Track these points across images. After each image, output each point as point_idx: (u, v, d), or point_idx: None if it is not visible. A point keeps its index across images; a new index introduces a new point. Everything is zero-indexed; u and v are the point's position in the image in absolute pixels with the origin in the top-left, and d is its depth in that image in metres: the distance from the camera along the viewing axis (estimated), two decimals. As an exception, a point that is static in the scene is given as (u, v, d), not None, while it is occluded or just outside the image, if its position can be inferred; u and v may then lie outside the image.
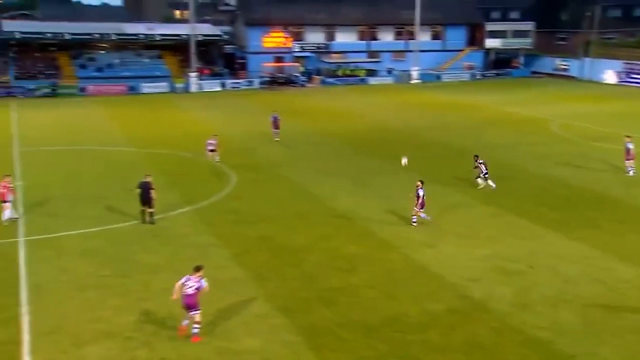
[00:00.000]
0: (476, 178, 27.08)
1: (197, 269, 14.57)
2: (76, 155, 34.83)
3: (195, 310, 14.37)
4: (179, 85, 66.52)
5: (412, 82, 73.91)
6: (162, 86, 66.02)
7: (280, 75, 71.99)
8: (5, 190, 22.29)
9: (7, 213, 22.46)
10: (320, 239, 21.14)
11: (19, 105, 54.77)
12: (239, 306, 16.07)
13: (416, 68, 74.53)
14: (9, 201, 22.53)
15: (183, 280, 14.44)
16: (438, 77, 76.07)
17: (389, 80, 74.96)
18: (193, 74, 66.67)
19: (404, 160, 27.68)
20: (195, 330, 14.51)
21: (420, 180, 22.26)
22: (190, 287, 14.27)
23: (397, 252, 19.93)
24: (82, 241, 21.00)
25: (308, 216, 23.62)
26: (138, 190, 22.50)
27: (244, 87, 69.54)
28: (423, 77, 74.38)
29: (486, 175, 26.78)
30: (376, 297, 16.70)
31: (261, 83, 70.47)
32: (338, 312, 15.84)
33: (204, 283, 14.43)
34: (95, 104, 55.76)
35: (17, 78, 63.82)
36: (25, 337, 14.46)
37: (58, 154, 35.00)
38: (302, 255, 19.78)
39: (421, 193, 21.88)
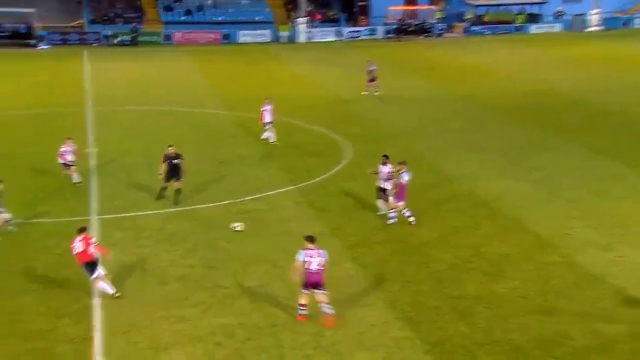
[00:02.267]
0: None
1: (311, 239, 15.43)
2: (157, 117, 36.44)
3: (323, 289, 15.27)
4: (284, 33, 67.62)
5: (589, 29, 70.82)
6: (263, 34, 67.39)
7: (412, 22, 71.31)
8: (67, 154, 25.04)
9: (74, 177, 25.12)
10: (456, 233, 20.89)
11: (93, 55, 57.92)
12: (353, 311, 16.24)
13: (596, 10, 71.26)
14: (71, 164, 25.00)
15: (302, 256, 15.20)
16: (626, 23, 72.34)
17: (555, 27, 72.28)
18: (301, 20, 67.47)
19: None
20: (331, 311, 15.30)
21: (399, 162, 21.30)
22: (314, 262, 15.17)
23: (557, 254, 19.35)
24: (162, 222, 21.99)
25: (440, 203, 23.40)
26: (164, 165, 23.27)
27: (364, 37, 69.58)
28: (606, 22, 71.02)
29: None
30: (528, 310, 16.32)
31: (387, 32, 70.18)
32: (477, 327, 15.63)
33: (325, 255, 15.35)
34: (181, 55, 57.92)
35: (92, 22, 67.20)
36: (97, 335, 15.38)
37: (137, 116, 36.78)
38: (432, 252, 19.65)
39: (406, 178, 21.04)
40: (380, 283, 17.82)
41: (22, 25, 63.25)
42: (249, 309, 16.43)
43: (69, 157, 25.17)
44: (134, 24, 66.63)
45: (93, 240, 16.99)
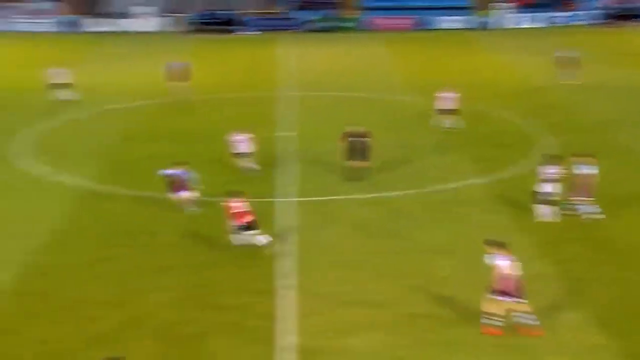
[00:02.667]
0: None
1: (500, 244, 14.80)
2: (351, 103, 36.89)
3: (520, 298, 14.59)
4: (484, 19, 65.83)
5: None
6: (461, 20, 65.99)
7: (622, 6, 66.96)
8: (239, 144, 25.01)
9: (249, 166, 25.10)
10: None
11: (292, 41, 59.64)
12: (544, 313, 15.53)
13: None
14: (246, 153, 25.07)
15: (498, 260, 14.61)
16: None
17: None
18: (503, 5, 65.45)
19: None
20: (531, 322, 14.65)
21: (577, 154, 20.83)
22: (508, 266, 14.53)
23: None
24: (354, 208, 22.27)
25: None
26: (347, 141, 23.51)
27: (571, 22, 66.09)
28: None
29: None
30: None
31: (594, 17, 66.36)
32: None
33: (516, 261, 14.61)
34: (375, 41, 58.21)
35: (292, 9, 69.24)
36: (285, 314, 15.87)
37: (331, 101, 37.45)
38: (636, 255, 18.39)
39: (584, 171, 20.14)
40: (575, 283, 16.98)
41: (230, 13, 66.48)
42: (435, 301, 16.24)
43: (243, 148, 25.12)
44: (327, 10, 67.85)
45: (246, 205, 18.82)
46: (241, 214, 18.87)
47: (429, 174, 25.27)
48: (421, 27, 65.64)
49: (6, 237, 19.97)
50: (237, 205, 18.92)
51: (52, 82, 36.23)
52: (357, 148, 23.78)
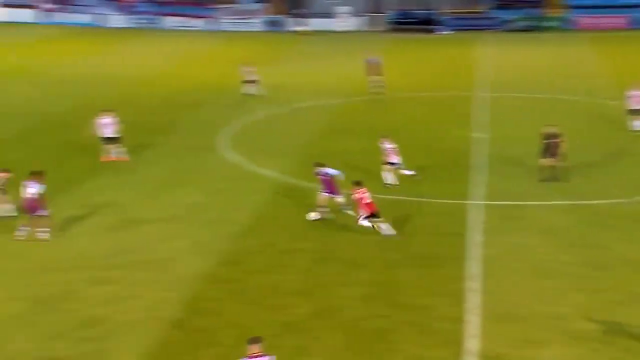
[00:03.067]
0: None
1: None
2: (548, 105, 35.64)
3: None
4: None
5: None
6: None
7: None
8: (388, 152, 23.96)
9: (389, 177, 23.94)
10: None
11: (490, 40, 58.46)
12: None
13: None
14: (394, 163, 23.96)
15: None
16: None
17: None
18: None
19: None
20: None
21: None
22: None
23: None
24: (546, 215, 21.61)
25: None
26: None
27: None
28: None
29: None
30: None
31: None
32: None
33: None
34: (580, 41, 55.74)
35: (492, 7, 67.81)
36: (471, 318, 15.72)
37: (529, 103, 36.38)
38: None
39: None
40: None
41: (428, 12, 66.40)
42: (634, 319, 15.35)
43: (394, 159, 24.06)
44: (529, 9, 65.76)
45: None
46: (369, 204, 19.96)
47: (628, 182, 23.93)
48: (634, 26, 61.88)
49: (206, 224, 21.24)
50: (366, 195, 20.04)
51: (245, 79, 38.04)
52: (550, 148, 23.47)
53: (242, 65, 38.68)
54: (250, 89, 37.85)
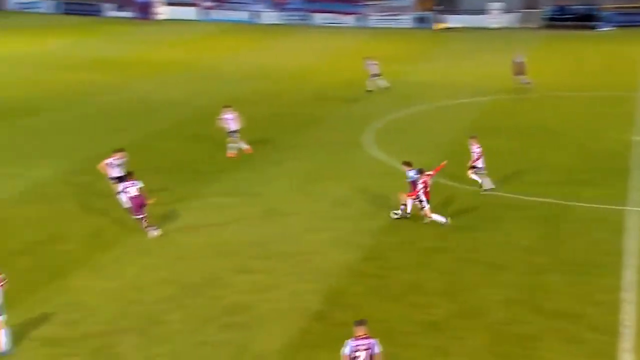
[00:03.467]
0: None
1: None
2: None
3: None
4: None
5: None
6: None
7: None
8: (476, 155, 22.84)
9: (487, 182, 23.01)
10: None
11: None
12: None
13: None
14: (479, 167, 22.97)
15: None
16: None
17: None
18: None
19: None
20: None
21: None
22: None
23: None
24: None
25: None
26: None
27: None
28: None
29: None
30: None
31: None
32: None
33: None
34: None
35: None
36: (625, 331, 14.88)
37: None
38: None
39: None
40: None
41: (587, 7, 63.68)
42: None
43: (479, 163, 23.10)
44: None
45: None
46: (427, 192, 20.33)
47: None
48: None
49: (349, 219, 21.28)
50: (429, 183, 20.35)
51: (371, 73, 38.27)
52: None
53: (367, 59, 38.67)
54: (376, 83, 38.13)
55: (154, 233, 19.68)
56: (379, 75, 38.53)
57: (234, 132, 26.95)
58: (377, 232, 20.31)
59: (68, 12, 74.74)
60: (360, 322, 12.09)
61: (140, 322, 15.36)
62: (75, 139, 29.38)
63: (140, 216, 19.66)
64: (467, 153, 23.95)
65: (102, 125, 31.68)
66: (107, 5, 74.48)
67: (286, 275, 17.66)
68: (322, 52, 52.99)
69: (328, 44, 57.22)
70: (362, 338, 11.93)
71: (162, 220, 20.78)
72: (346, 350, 11.90)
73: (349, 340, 11.95)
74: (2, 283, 14.22)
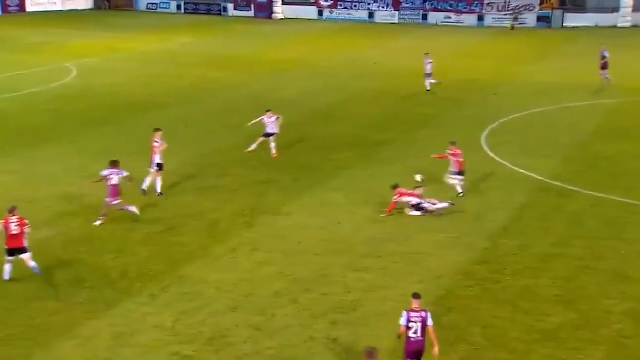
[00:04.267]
0: None
1: None
2: None
3: None
4: None
5: None
6: None
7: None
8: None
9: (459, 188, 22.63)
10: None
11: None
12: None
13: None
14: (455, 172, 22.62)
15: None
16: None
17: None
18: None
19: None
20: None
21: None
22: None
23: None
24: None
25: None
26: None
27: None
28: None
29: None
30: None
31: None
32: None
33: None
34: None
35: None
36: None
37: None
38: None
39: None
40: None
41: None
42: None
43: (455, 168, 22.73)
44: None
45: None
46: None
47: None
48: None
49: (465, 221, 20.90)
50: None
51: (426, 72, 37.82)
52: None
53: (426, 56, 38.03)
54: (427, 83, 37.81)
55: (98, 222, 20.37)
56: (431, 75, 37.75)
57: (270, 134, 26.76)
58: (493, 235, 19.85)
59: (192, 12, 77.59)
60: (416, 296, 13.03)
61: (253, 315, 15.61)
62: (194, 133, 30.20)
63: (113, 203, 20.28)
64: (590, 157, 23.23)
65: (221, 121, 32.43)
66: (228, 5, 76.48)
67: (398, 275, 17.51)
68: (438, 51, 52.30)
69: (444, 43, 56.36)
70: (417, 311, 12.85)
71: (277, 216, 21.12)
72: (403, 320, 12.89)
73: (405, 312, 12.86)
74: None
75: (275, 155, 26.60)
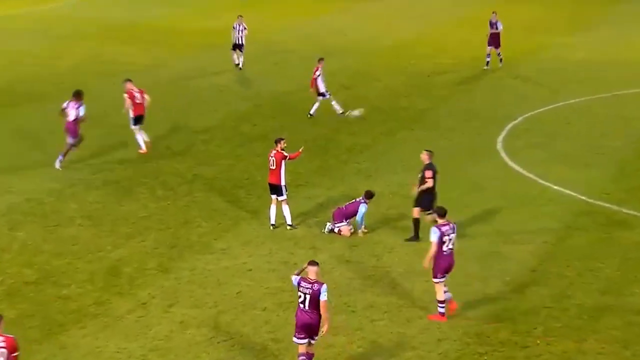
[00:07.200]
0: None
1: None
2: None
3: None
4: None
5: None
6: None
7: None
8: None
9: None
10: None
11: None
12: None
13: None
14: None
15: None
16: None
17: None
18: None
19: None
20: None
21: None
22: None
23: None
24: None
25: None
26: None
27: None
28: None
29: None
30: None
31: None
32: None
33: None
34: None
35: None
36: None
37: None
38: None
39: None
40: None
41: None
42: None
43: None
44: None
45: None
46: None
47: None
48: None
49: (477, 258, 20.93)
50: None
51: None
52: None
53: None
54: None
55: (58, 164, 26.38)
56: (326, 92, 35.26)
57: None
58: (517, 279, 20.11)
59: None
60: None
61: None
62: (89, 137, 29.84)
63: (71, 142, 26.64)
64: None
65: (123, 120, 32.21)
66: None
67: (379, 342, 17.36)
68: (434, 17, 52.83)
69: (444, 4, 56.98)
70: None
71: (206, 254, 21.25)
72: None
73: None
74: None
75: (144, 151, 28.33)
